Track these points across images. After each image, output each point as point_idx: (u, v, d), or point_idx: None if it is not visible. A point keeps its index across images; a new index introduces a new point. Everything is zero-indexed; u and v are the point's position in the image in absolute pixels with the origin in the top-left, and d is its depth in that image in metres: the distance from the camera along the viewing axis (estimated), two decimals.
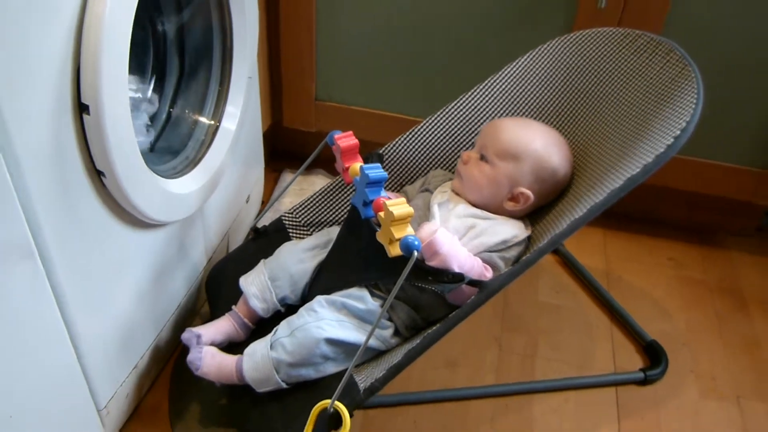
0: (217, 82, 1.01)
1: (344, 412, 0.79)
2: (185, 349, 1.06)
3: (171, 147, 0.98)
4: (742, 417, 1.10)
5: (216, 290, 1.08)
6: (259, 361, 0.87)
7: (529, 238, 0.96)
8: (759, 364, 1.19)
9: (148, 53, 0.97)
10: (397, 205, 0.78)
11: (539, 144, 0.96)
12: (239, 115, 1.02)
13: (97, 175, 0.75)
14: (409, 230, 0.79)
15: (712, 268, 1.40)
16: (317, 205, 1.08)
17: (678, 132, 0.82)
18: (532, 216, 1.00)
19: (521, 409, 1.08)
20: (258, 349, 0.88)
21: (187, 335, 0.93)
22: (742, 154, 1.29)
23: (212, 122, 1.01)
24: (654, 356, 1.17)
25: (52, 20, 0.65)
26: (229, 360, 0.90)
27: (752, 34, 1.15)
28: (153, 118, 0.97)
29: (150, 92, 0.97)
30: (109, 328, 0.86)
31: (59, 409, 0.80)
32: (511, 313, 1.25)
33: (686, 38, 1.15)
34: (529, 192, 0.96)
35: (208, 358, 0.90)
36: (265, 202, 1.39)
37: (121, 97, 0.72)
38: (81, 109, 0.70)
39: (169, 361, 1.08)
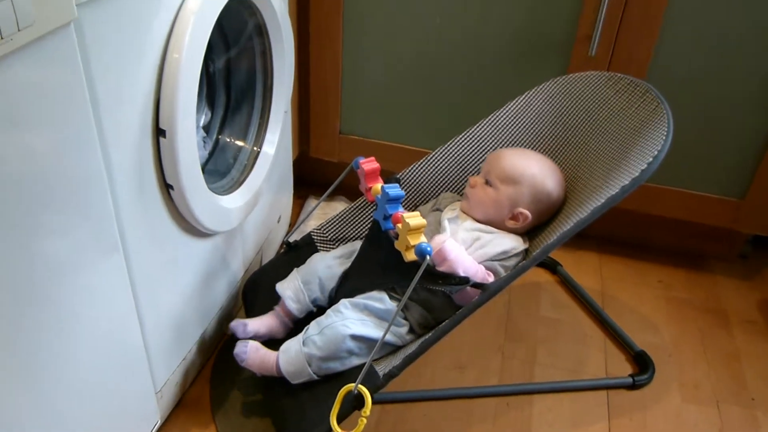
0: (259, 115, 1.18)
1: (366, 393, 0.93)
2: (225, 348, 1.22)
3: (219, 169, 1.14)
4: (720, 419, 1.22)
5: (252, 297, 1.22)
6: (293, 356, 1.01)
7: (526, 251, 1.11)
8: (738, 374, 1.31)
9: (203, 90, 1.14)
10: (412, 217, 0.94)
11: (536, 170, 1.12)
12: (276, 142, 1.18)
13: (166, 188, 0.91)
14: (422, 239, 0.94)
15: (697, 289, 1.53)
16: (342, 222, 1.23)
17: (651, 159, 0.98)
18: (530, 233, 1.15)
19: (521, 407, 1.21)
20: (292, 345, 1.02)
21: (235, 323, 1.08)
22: (721, 186, 1.42)
23: (254, 148, 1.18)
24: (642, 364, 1.30)
25: (142, 62, 0.82)
26: (270, 355, 1.04)
27: (723, 80, 1.30)
28: (205, 142, 1.13)
29: (203, 121, 1.14)
30: (167, 318, 1.01)
31: (124, 387, 0.94)
32: (514, 325, 1.39)
33: (666, 82, 1.32)
34: (527, 212, 1.11)
35: (252, 352, 1.04)
36: (293, 224, 1.54)
37: (189, 124, 0.89)
38: (158, 133, 0.86)
39: (210, 358, 1.23)
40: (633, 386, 1.26)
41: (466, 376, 1.26)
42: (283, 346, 1.02)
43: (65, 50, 0.67)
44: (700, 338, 1.39)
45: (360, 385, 0.93)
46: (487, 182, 1.13)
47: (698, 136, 1.37)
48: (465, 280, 0.98)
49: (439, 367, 1.27)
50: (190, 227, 1.00)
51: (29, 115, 0.65)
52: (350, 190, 1.13)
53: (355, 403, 0.94)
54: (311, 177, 1.68)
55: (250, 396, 1.16)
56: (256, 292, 1.22)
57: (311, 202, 1.63)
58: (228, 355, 1.22)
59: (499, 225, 1.13)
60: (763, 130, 1.34)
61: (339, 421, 0.93)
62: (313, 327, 1.02)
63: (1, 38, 0.56)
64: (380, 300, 1.04)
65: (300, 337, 1.02)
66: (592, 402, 1.23)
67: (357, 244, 1.15)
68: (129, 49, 0.79)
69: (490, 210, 1.12)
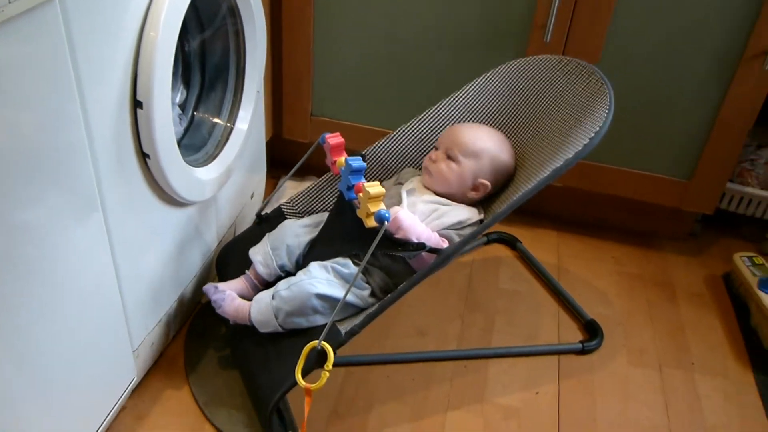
0: (232, 93, 1.25)
1: (329, 349, 1.01)
2: (200, 314, 1.29)
3: (194, 144, 1.21)
4: (662, 380, 1.31)
5: (224, 266, 1.29)
6: (263, 307, 1.09)
7: (481, 221, 1.19)
8: (681, 341, 1.41)
9: (179, 69, 1.20)
10: (372, 186, 1.02)
11: (494, 144, 1.21)
12: (249, 119, 1.25)
13: (143, 157, 0.98)
14: (381, 206, 1.02)
15: (648, 265, 1.63)
16: (311, 195, 1.31)
17: (592, 134, 1.06)
18: (485, 204, 1.24)
19: (477, 370, 1.30)
20: (263, 297, 1.10)
21: (207, 286, 1.15)
22: (670, 167, 1.52)
23: (228, 124, 1.25)
24: (592, 332, 1.39)
25: (120, 38, 0.88)
26: (244, 304, 1.12)
27: (672, 65, 1.39)
28: (181, 119, 1.20)
29: (179, 99, 1.21)
30: (145, 281, 1.08)
31: (103, 344, 1.00)
32: (474, 296, 1.48)
33: (618, 67, 1.41)
34: (487, 182, 1.20)
35: (228, 300, 1.12)
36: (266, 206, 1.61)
37: (165, 97, 0.96)
38: (136, 105, 0.93)
39: (185, 324, 1.30)
40: (582, 351, 1.35)
41: (428, 342, 1.35)
42: (256, 297, 1.10)
43: (50, 24, 0.74)
44: (648, 309, 1.49)
45: (323, 342, 1.01)
46: (449, 157, 1.21)
47: (649, 118, 1.47)
48: (421, 246, 1.06)
49: (401, 335, 1.35)
50: (167, 196, 1.07)
51: (15, 89, 0.71)
52: (320, 170, 1.22)
53: (318, 358, 1.02)
54: (284, 158, 1.75)
55: (221, 356, 1.23)
56: (228, 260, 1.29)
57: (285, 183, 1.70)
58: (202, 319, 1.30)
59: (458, 197, 1.21)
60: (708, 114, 1.43)
61: (303, 376, 1.01)
62: (282, 283, 1.09)
63: None
64: (345, 265, 1.12)
65: (271, 290, 1.09)
66: (544, 366, 1.32)
67: (324, 215, 1.23)
68: (109, 26, 0.85)
69: (454, 183, 1.21)
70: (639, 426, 1.22)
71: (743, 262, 1.51)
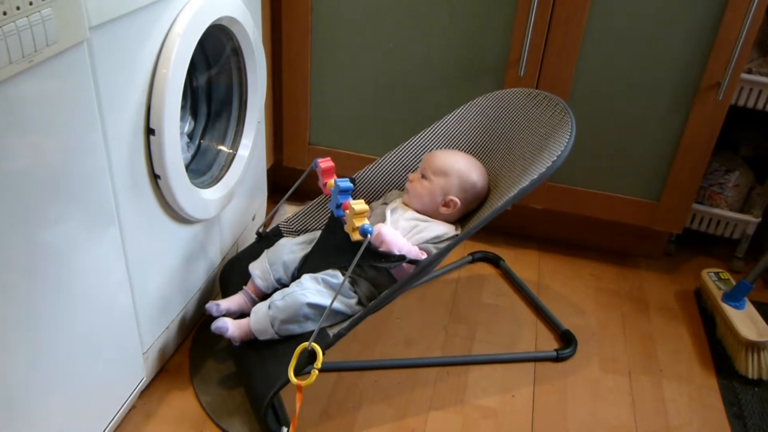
0: (235, 123, 1.39)
1: (318, 350, 1.12)
2: (204, 325, 1.41)
3: (200, 169, 1.35)
4: (630, 385, 1.42)
5: (227, 281, 1.42)
6: (260, 317, 1.21)
7: (457, 236, 1.31)
8: (651, 350, 1.52)
9: (187, 101, 1.35)
10: (357, 204, 1.14)
11: (462, 165, 1.34)
12: (250, 146, 1.39)
13: (154, 178, 1.12)
14: (366, 222, 1.15)
15: (624, 282, 1.74)
16: (305, 216, 1.44)
17: (555, 157, 1.19)
18: (462, 222, 1.36)
19: (459, 375, 1.41)
20: (260, 308, 1.22)
21: (209, 304, 1.27)
22: (640, 190, 1.64)
23: (231, 151, 1.38)
24: (567, 341, 1.50)
25: (137, 75, 1.03)
26: (245, 321, 1.23)
27: (635, 95, 1.53)
28: (189, 146, 1.34)
29: (187, 128, 1.35)
30: (154, 291, 1.20)
31: (115, 344, 1.12)
32: (458, 309, 1.59)
33: (588, 96, 1.54)
34: (456, 199, 1.33)
35: (230, 324, 1.22)
36: (267, 225, 1.74)
37: (174, 125, 1.09)
38: (149, 132, 1.07)
39: (190, 334, 1.42)
40: (557, 359, 1.46)
41: (413, 350, 1.46)
42: (254, 308, 1.22)
43: (79, 64, 0.88)
44: (622, 322, 1.60)
45: (313, 343, 1.13)
46: (423, 176, 1.35)
47: (618, 144, 1.60)
48: (402, 258, 1.18)
49: (390, 344, 1.47)
50: (175, 214, 1.20)
51: (46, 119, 0.84)
52: (317, 195, 1.37)
53: (309, 358, 1.13)
54: (285, 184, 1.87)
55: (223, 363, 1.35)
56: (230, 276, 1.41)
57: (284, 206, 1.84)
58: (205, 330, 1.42)
59: (434, 213, 1.34)
60: (671, 140, 1.56)
61: (296, 375, 1.13)
62: (277, 294, 1.21)
63: (35, 51, 0.77)
64: (334, 276, 1.24)
65: (267, 301, 1.21)
66: (521, 372, 1.43)
67: (317, 234, 1.36)
68: (127, 64, 1.00)
69: (426, 198, 1.34)
70: (607, 426, 1.32)
71: (710, 277, 1.63)
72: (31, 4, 0.76)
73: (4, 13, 0.73)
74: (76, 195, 0.93)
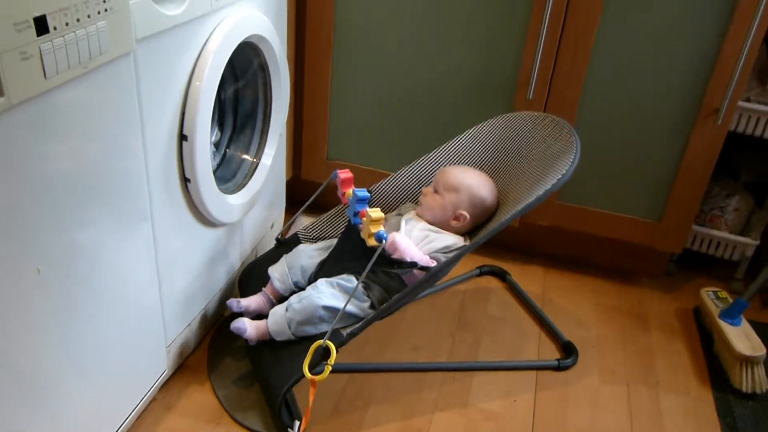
0: (259, 134, 1.48)
1: (332, 347, 1.20)
2: (223, 324, 1.48)
3: (225, 176, 1.43)
4: (628, 396, 1.48)
5: (246, 283, 1.49)
6: (278, 319, 1.28)
7: (465, 247, 1.39)
8: (650, 363, 1.58)
9: (215, 113, 1.43)
10: (374, 211, 1.22)
11: (473, 181, 1.42)
12: (273, 155, 1.48)
13: (185, 181, 1.20)
14: (381, 228, 1.23)
15: (625, 298, 1.80)
16: (323, 224, 1.52)
17: (560, 176, 1.27)
18: (471, 234, 1.44)
19: (463, 380, 1.47)
20: (277, 310, 1.29)
21: (231, 300, 1.35)
22: (642, 210, 1.71)
23: (254, 160, 1.47)
24: (568, 351, 1.56)
25: (173, 86, 1.11)
26: (262, 323, 1.31)
27: (638, 119, 1.60)
28: (215, 155, 1.43)
29: (214, 138, 1.44)
30: (179, 288, 1.28)
31: (141, 337, 1.20)
32: (465, 319, 1.66)
33: (593, 119, 1.62)
34: (466, 213, 1.40)
35: (248, 324, 1.30)
36: (284, 233, 1.82)
37: (205, 132, 1.18)
38: (182, 138, 1.16)
39: (209, 332, 1.49)
40: (558, 368, 1.52)
41: (421, 355, 1.53)
42: (272, 310, 1.30)
43: (126, 72, 0.97)
44: (622, 335, 1.66)
45: (327, 341, 1.20)
46: (436, 191, 1.43)
47: (621, 165, 1.67)
48: (413, 264, 1.26)
49: (399, 350, 1.53)
50: (202, 216, 1.28)
51: (92, 125, 0.92)
52: (332, 208, 1.47)
53: (323, 354, 1.20)
54: (303, 197, 1.95)
55: (240, 361, 1.42)
56: (249, 279, 1.49)
57: (301, 216, 1.92)
58: (224, 329, 1.49)
59: (445, 226, 1.42)
60: (673, 162, 1.63)
61: (310, 371, 1.19)
62: (294, 297, 1.29)
63: (90, 58, 0.86)
64: (349, 281, 1.31)
65: (285, 303, 1.29)
66: (523, 379, 1.49)
67: (333, 241, 1.43)
68: (166, 75, 1.09)
69: (437, 212, 1.41)
70: None
71: (709, 295, 1.69)
72: (89, 17, 0.85)
73: (66, 24, 0.82)
74: (114, 196, 1.01)
